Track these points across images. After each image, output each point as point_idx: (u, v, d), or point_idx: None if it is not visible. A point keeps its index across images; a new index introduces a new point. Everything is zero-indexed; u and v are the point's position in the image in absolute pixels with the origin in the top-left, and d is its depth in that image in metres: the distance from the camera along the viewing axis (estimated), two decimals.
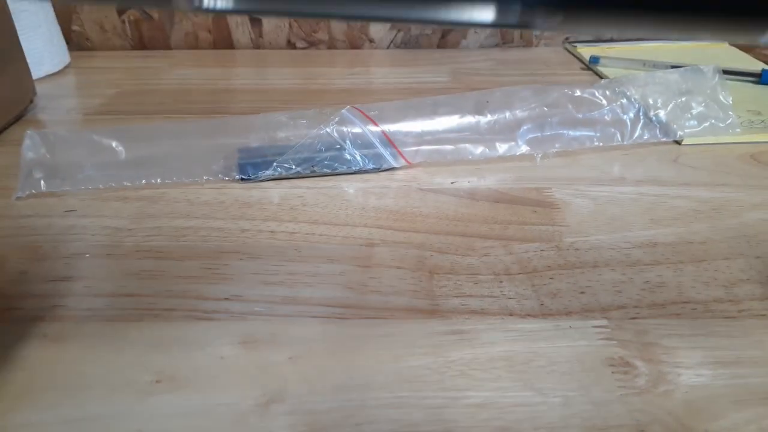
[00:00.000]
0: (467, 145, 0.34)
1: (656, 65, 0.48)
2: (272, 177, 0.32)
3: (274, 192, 0.31)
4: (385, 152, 0.33)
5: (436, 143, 0.34)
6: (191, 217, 0.29)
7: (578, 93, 0.35)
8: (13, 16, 0.40)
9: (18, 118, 0.41)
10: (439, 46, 0.59)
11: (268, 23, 0.57)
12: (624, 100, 0.36)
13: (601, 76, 0.49)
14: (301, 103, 0.44)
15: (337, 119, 0.33)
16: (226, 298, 0.24)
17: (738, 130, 0.37)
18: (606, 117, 0.35)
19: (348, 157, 0.33)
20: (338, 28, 0.57)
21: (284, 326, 0.22)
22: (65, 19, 0.55)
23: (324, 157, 0.32)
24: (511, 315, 0.23)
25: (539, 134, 0.34)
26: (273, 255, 0.26)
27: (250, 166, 0.32)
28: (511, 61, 0.55)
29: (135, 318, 0.23)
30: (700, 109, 0.37)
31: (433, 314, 0.23)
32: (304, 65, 0.54)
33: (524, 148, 0.34)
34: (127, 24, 0.57)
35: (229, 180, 0.32)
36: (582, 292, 0.24)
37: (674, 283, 0.25)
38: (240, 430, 0.18)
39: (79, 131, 0.35)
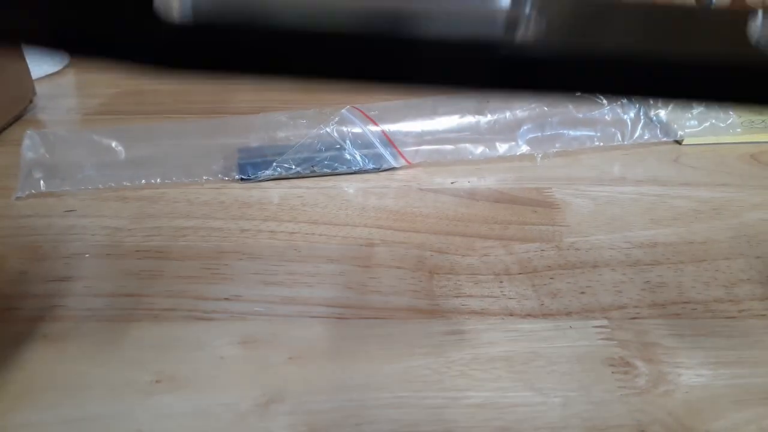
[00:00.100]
0: (467, 145, 0.34)
1: None
2: (272, 177, 0.32)
3: (274, 192, 0.31)
4: (385, 152, 0.33)
5: (436, 143, 0.34)
6: (191, 217, 0.29)
7: (578, 92, 0.35)
8: None
9: (17, 118, 0.41)
10: None
11: None
12: (624, 100, 0.36)
13: None
14: (301, 103, 0.44)
15: (337, 119, 0.33)
16: (226, 298, 0.24)
17: (738, 130, 0.37)
18: (606, 117, 0.35)
19: (348, 157, 0.33)
20: None
21: (284, 326, 0.22)
22: None
23: (324, 157, 0.32)
24: (511, 315, 0.23)
25: (539, 134, 0.34)
26: (273, 255, 0.26)
27: (250, 166, 0.32)
28: None
29: (135, 318, 0.23)
30: (701, 108, 0.37)
31: (433, 314, 0.23)
32: None
33: (524, 148, 0.34)
34: None
35: (229, 180, 0.32)
36: (582, 292, 0.24)
37: (674, 283, 0.25)
38: (240, 430, 0.18)
39: (79, 131, 0.35)
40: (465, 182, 0.33)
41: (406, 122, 0.34)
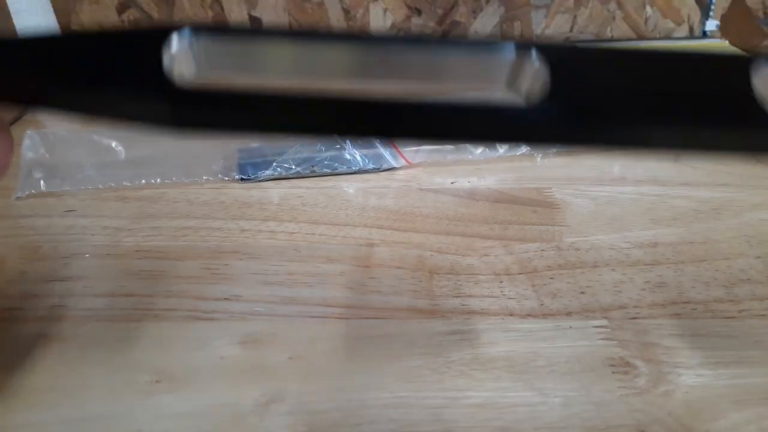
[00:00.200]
0: (467, 145, 0.34)
1: None
2: (272, 177, 0.32)
3: (274, 192, 0.31)
4: (385, 152, 0.33)
5: (435, 143, 0.34)
6: (191, 217, 0.29)
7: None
8: (13, 17, 0.40)
9: (17, 118, 0.41)
10: None
11: (268, 23, 0.57)
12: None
13: None
14: None
15: None
16: (226, 298, 0.24)
17: None
18: None
19: (348, 156, 0.33)
20: (338, 27, 0.57)
21: (284, 326, 0.22)
22: (65, 19, 0.55)
23: (324, 156, 0.32)
24: (511, 315, 0.23)
25: None
26: (273, 255, 0.26)
27: (250, 166, 0.32)
28: None
29: (135, 318, 0.23)
30: None
31: (433, 314, 0.23)
32: None
33: (524, 148, 0.34)
34: (127, 24, 0.57)
35: (229, 180, 0.32)
36: (582, 292, 0.24)
37: (674, 283, 0.25)
38: (240, 430, 0.18)
39: (79, 131, 0.35)
40: (465, 182, 0.33)
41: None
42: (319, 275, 0.25)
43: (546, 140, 0.13)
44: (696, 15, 0.58)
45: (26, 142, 0.31)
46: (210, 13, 0.56)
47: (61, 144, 0.32)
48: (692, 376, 0.20)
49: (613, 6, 0.57)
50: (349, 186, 0.32)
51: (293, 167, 0.32)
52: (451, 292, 0.24)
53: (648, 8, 0.57)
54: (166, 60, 0.12)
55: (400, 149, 0.33)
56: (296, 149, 0.32)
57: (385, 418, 0.19)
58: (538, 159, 0.34)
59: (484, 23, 0.58)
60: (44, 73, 0.13)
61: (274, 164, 0.32)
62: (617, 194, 0.31)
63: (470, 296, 0.24)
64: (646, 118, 0.13)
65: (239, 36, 0.13)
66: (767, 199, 0.30)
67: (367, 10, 0.56)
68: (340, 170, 0.33)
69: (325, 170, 0.33)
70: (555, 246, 0.27)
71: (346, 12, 0.56)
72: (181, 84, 0.12)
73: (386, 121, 0.13)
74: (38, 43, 0.13)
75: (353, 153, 0.33)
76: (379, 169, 0.33)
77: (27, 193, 0.31)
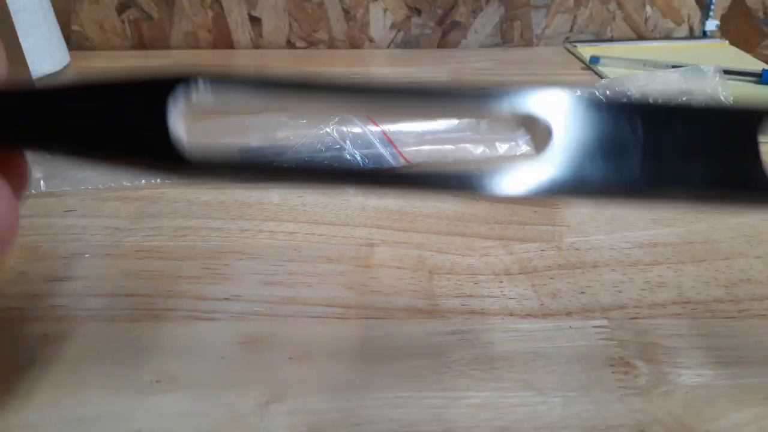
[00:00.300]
0: (467, 145, 0.34)
1: (657, 65, 0.48)
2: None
3: (274, 192, 0.31)
4: (385, 152, 0.33)
5: (436, 143, 0.34)
6: (191, 217, 0.29)
7: (578, 93, 0.35)
8: (13, 16, 0.40)
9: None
10: (439, 46, 0.59)
11: (268, 23, 0.57)
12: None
13: (601, 76, 0.49)
14: None
15: (337, 119, 0.33)
16: (226, 298, 0.24)
17: None
18: None
19: (348, 157, 0.33)
20: (338, 27, 0.57)
21: (284, 326, 0.22)
22: (65, 19, 0.55)
23: (324, 157, 0.32)
24: (511, 315, 0.23)
25: None
26: (273, 255, 0.26)
27: None
28: (512, 60, 0.55)
29: (135, 318, 0.23)
30: None
31: (433, 314, 0.23)
32: (304, 65, 0.54)
33: (524, 148, 0.34)
34: (126, 24, 0.57)
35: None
36: (582, 292, 0.24)
37: (674, 283, 0.25)
38: (240, 430, 0.18)
39: None
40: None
41: (406, 122, 0.34)
42: (319, 275, 0.25)
43: (547, 191, 0.14)
44: (696, 15, 0.58)
45: None
46: (210, 13, 0.56)
47: None
48: (692, 376, 0.20)
49: (613, 6, 0.57)
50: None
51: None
52: (451, 292, 0.24)
53: (648, 8, 0.57)
54: (172, 121, 0.13)
55: (400, 149, 0.33)
56: (296, 149, 0.32)
57: (385, 418, 0.19)
58: None
59: (484, 23, 0.58)
60: (50, 129, 0.13)
61: (274, 164, 0.32)
62: None
63: (470, 296, 0.24)
64: (648, 177, 0.13)
65: (244, 85, 0.14)
66: None
67: (367, 10, 0.56)
68: None
69: None
70: (555, 246, 0.27)
71: (346, 12, 0.56)
72: (188, 152, 0.13)
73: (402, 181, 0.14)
74: (46, 95, 0.13)
75: (353, 153, 0.33)
76: (379, 169, 0.33)
77: (27, 193, 0.31)
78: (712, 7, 0.57)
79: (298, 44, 0.58)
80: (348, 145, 0.33)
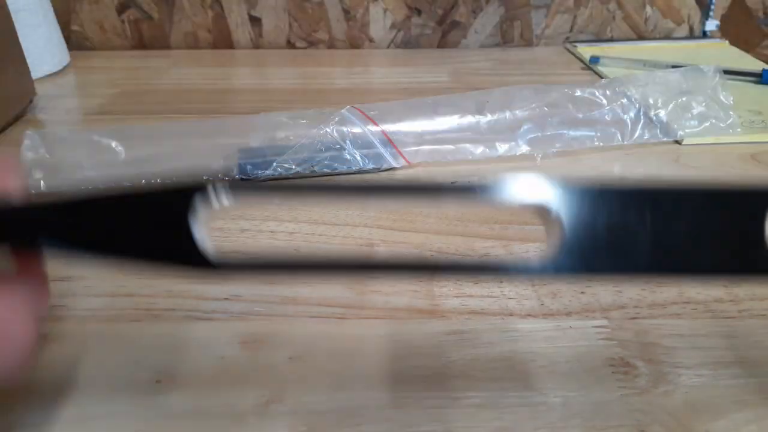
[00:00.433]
0: (467, 145, 0.34)
1: (656, 65, 0.48)
2: (272, 177, 0.32)
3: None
4: (385, 152, 0.33)
5: (436, 143, 0.34)
6: None
7: (578, 93, 0.35)
8: (13, 16, 0.40)
9: (18, 118, 0.41)
10: (439, 46, 0.59)
11: (268, 23, 0.57)
12: (624, 100, 0.36)
13: (601, 76, 0.49)
14: (301, 103, 0.44)
15: (337, 119, 0.33)
16: (226, 298, 0.24)
17: (739, 130, 0.37)
18: (606, 117, 0.35)
19: (348, 157, 0.33)
20: (338, 27, 0.57)
21: (284, 326, 0.22)
22: (65, 19, 0.55)
23: (324, 157, 0.32)
24: (511, 315, 0.23)
25: (539, 134, 0.34)
26: (273, 255, 0.26)
27: (250, 166, 0.32)
28: (512, 60, 0.55)
29: (135, 318, 0.23)
30: (701, 108, 0.37)
31: (433, 314, 0.23)
32: (304, 65, 0.54)
33: (524, 148, 0.34)
34: (126, 24, 0.57)
35: (229, 180, 0.32)
36: (582, 292, 0.24)
37: (674, 283, 0.25)
38: (240, 430, 0.18)
39: (79, 131, 0.35)
40: (465, 182, 0.32)
41: (406, 122, 0.34)
42: None
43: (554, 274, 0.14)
44: (696, 15, 0.58)
45: (26, 142, 0.31)
46: (210, 13, 0.56)
47: (61, 144, 0.32)
48: (692, 376, 0.20)
49: (613, 6, 0.57)
50: None
51: (293, 167, 0.32)
52: (451, 292, 0.24)
53: (648, 8, 0.57)
54: (195, 227, 0.13)
55: (399, 149, 0.33)
56: (296, 149, 0.32)
57: (385, 418, 0.19)
58: (539, 159, 0.34)
59: (484, 23, 0.58)
60: (74, 238, 0.14)
61: (274, 164, 0.32)
62: None
63: (470, 296, 0.24)
64: (656, 265, 0.14)
65: (262, 188, 0.15)
66: None
67: (367, 10, 0.56)
68: (340, 170, 0.33)
69: (325, 170, 0.33)
70: None
71: (346, 12, 0.56)
72: (212, 255, 0.14)
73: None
74: (73, 206, 0.14)
75: (353, 153, 0.33)
76: (379, 169, 0.33)
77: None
78: (712, 7, 0.57)
79: (298, 44, 0.58)
80: (348, 145, 0.33)
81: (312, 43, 0.58)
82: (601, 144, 0.35)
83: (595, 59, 0.51)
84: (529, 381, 0.20)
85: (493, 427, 0.19)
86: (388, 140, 0.33)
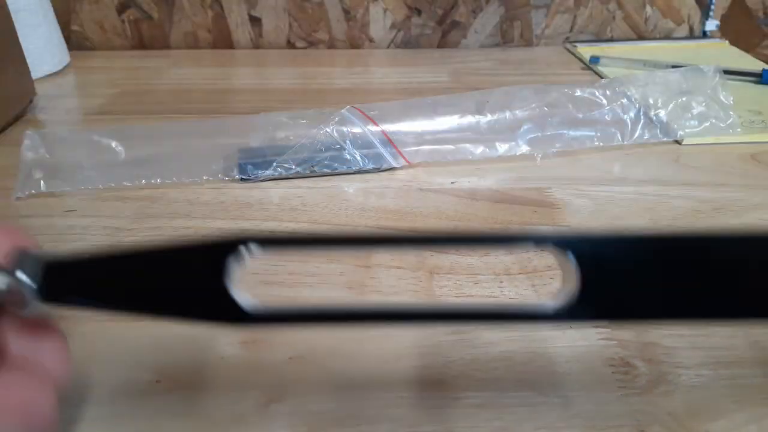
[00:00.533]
0: (467, 145, 0.34)
1: (656, 65, 0.48)
2: (272, 177, 0.32)
3: (274, 192, 0.31)
4: (385, 152, 0.33)
5: (436, 143, 0.34)
6: (191, 217, 0.29)
7: (578, 93, 0.35)
8: (13, 16, 0.40)
9: (17, 118, 0.41)
10: (439, 46, 0.59)
11: (268, 23, 0.57)
12: (624, 100, 0.36)
13: (601, 76, 0.49)
14: (301, 103, 0.44)
15: (337, 119, 0.33)
16: None
17: (738, 129, 0.37)
18: (606, 117, 0.35)
19: (348, 157, 0.33)
20: (338, 27, 0.57)
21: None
22: (65, 19, 0.55)
23: (324, 157, 0.32)
24: None
25: (539, 134, 0.34)
26: (273, 255, 0.26)
27: (250, 166, 0.32)
28: (512, 60, 0.55)
29: (135, 318, 0.23)
30: (701, 108, 0.37)
31: None
32: (304, 65, 0.54)
33: (524, 148, 0.34)
34: (126, 24, 0.57)
35: (229, 180, 0.32)
36: None
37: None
38: (240, 430, 0.18)
39: (79, 131, 0.35)
40: (465, 182, 0.33)
41: (406, 122, 0.34)
42: (319, 275, 0.25)
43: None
44: (696, 15, 0.58)
45: (26, 142, 0.31)
46: (210, 13, 0.56)
47: (61, 144, 0.32)
48: (692, 377, 0.20)
49: (613, 6, 0.57)
50: (349, 186, 0.32)
51: (293, 167, 0.32)
52: (451, 292, 0.24)
53: (648, 8, 0.57)
54: (230, 283, 0.14)
55: (399, 149, 0.33)
56: (296, 149, 0.32)
57: (385, 418, 0.19)
58: (539, 159, 0.34)
59: (484, 23, 0.58)
60: (114, 295, 0.15)
61: (274, 164, 0.32)
62: (617, 194, 0.31)
63: (470, 296, 0.24)
64: (677, 310, 0.14)
65: (292, 244, 0.15)
66: (767, 199, 0.30)
67: (367, 10, 0.56)
68: (340, 170, 0.33)
69: (325, 170, 0.33)
70: None
71: (346, 12, 0.56)
72: (247, 307, 0.14)
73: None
74: (105, 263, 0.15)
75: (353, 153, 0.33)
76: (379, 169, 0.33)
77: (27, 193, 0.31)
78: (712, 7, 0.57)
79: (298, 44, 0.58)
80: (348, 145, 0.33)
81: (312, 43, 0.58)
82: (601, 144, 0.35)
83: (595, 59, 0.51)
84: (529, 381, 0.20)
85: (493, 427, 0.19)
86: (388, 140, 0.33)
